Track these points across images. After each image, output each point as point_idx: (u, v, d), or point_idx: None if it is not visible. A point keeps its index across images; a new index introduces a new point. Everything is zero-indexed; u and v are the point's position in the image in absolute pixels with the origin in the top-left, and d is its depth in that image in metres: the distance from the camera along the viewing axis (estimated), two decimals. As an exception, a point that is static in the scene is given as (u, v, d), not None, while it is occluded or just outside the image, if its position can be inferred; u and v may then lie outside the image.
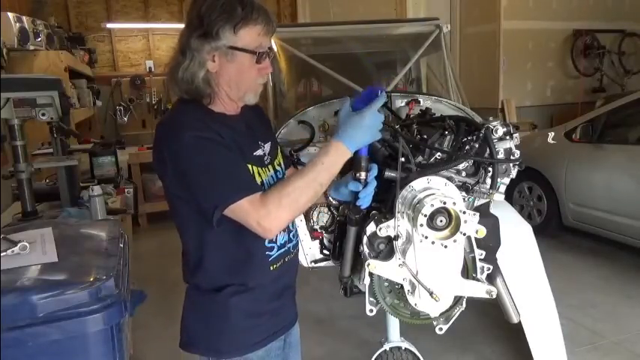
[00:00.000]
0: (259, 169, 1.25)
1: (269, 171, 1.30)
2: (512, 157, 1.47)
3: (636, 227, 3.74)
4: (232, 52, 1.17)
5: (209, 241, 1.22)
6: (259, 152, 1.28)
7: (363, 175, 1.28)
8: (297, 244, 1.39)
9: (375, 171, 1.30)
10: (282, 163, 1.38)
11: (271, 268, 1.28)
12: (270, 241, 1.26)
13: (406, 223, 1.33)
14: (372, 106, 1.19)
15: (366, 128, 1.18)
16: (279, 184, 1.17)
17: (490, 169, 1.47)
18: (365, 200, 1.31)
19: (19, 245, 1.34)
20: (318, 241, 1.96)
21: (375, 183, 1.30)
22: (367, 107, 1.19)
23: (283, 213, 1.12)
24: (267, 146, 1.32)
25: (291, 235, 1.35)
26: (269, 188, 1.17)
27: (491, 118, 1.52)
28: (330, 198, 1.43)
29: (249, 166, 1.21)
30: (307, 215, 1.94)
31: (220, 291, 1.24)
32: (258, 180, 1.23)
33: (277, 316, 1.35)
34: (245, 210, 1.10)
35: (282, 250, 1.31)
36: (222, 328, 1.26)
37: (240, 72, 1.19)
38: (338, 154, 1.18)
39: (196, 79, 1.17)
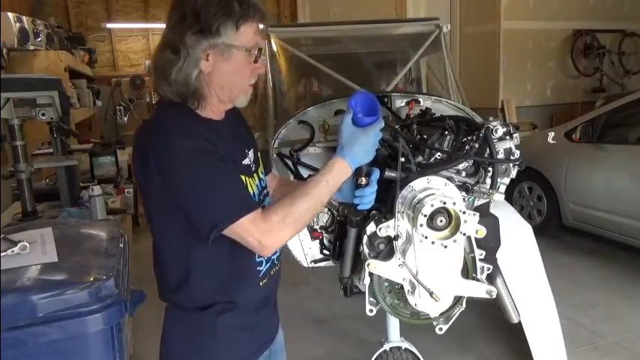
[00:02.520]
0: (249, 179, 1.19)
1: (255, 180, 1.24)
2: (512, 157, 1.47)
3: (636, 227, 3.74)
4: (229, 50, 1.11)
5: (197, 259, 1.15)
6: (246, 161, 1.22)
7: (364, 180, 1.28)
8: (279, 256, 1.34)
9: (376, 175, 1.29)
10: (263, 171, 1.33)
11: (260, 283, 1.24)
12: (260, 256, 1.21)
13: (406, 223, 1.33)
14: (375, 126, 1.19)
15: (370, 147, 1.19)
16: (283, 201, 1.12)
17: (490, 169, 1.47)
18: (366, 203, 1.30)
19: (19, 245, 1.35)
20: (318, 241, 1.96)
21: (375, 186, 1.29)
22: (371, 127, 1.19)
23: (286, 231, 1.10)
24: (251, 153, 1.26)
25: None
26: (271, 206, 1.13)
27: (491, 118, 1.52)
28: (332, 199, 1.42)
29: (242, 178, 1.15)
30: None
31: (206, 309, 1.18)
32: (251, 190, 1.17)
33: (261, 329, 1.31)
34: (246, 229, 1.06)
35: (269, 263, 1.27)
36: (209, 347, 1.21)
37: (235, 71, 1.13)
38: (342, 173, 1.18)
39: (190, 81, 1.10)
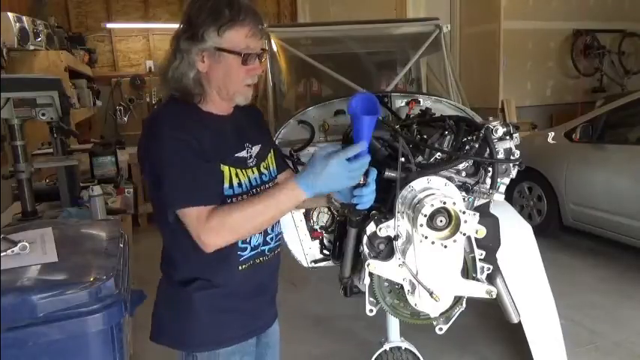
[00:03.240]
0: (238, 170, 1.26)
1: (253, 173, 1.30)
2: (512, 157, 1.47)
3: (636, 227, 3.74)
4: (219, 53, 1.19)
5: (180, 236, 1.22)
6: (243, 154, 1.29)
7: (362, 180, 1.27)
8: (274, 248, 1.37)
9: (373, 174, 1.28)
10: (270, 167, 1.38)
11: (239, 268, 1.28)
12: (244, 242, 1.27)
13: (406, 223, 1.33)
14: (341, 154, 1.11)
15: (329, 177, 1.12)
16: (231, 206, 1.17)
17: (490, 169, 1.47)
18: (364, 203, 1.30)
19: (19, 245, 1.35)
20: (318, 241, 1.96)
21: (374, 186, 1.29)
22: (336, 154, 1.11)
23: (224, 234, 1.14)
24: (256, 148, 1.33)
25: (267, 237, 1.33)
26: (222, 205, 1.17)
27: (491, 118, 1.53)
28: (332, 199, 1.42)
29: (226, 168, 1.22)
30: (307, 215, 1.94)
31: (187, 284, 1.26)
32: (236, 181, 1.24)
33: (250, 316, 1.35)
34: (190, 219, 1.14)
35: (255, 251, 1.30)
36: (187, 321, 1.28)
37: (227, 73, 1.21)
38: (293, 196, 1.15)
39: (185, 79, 1.21)
